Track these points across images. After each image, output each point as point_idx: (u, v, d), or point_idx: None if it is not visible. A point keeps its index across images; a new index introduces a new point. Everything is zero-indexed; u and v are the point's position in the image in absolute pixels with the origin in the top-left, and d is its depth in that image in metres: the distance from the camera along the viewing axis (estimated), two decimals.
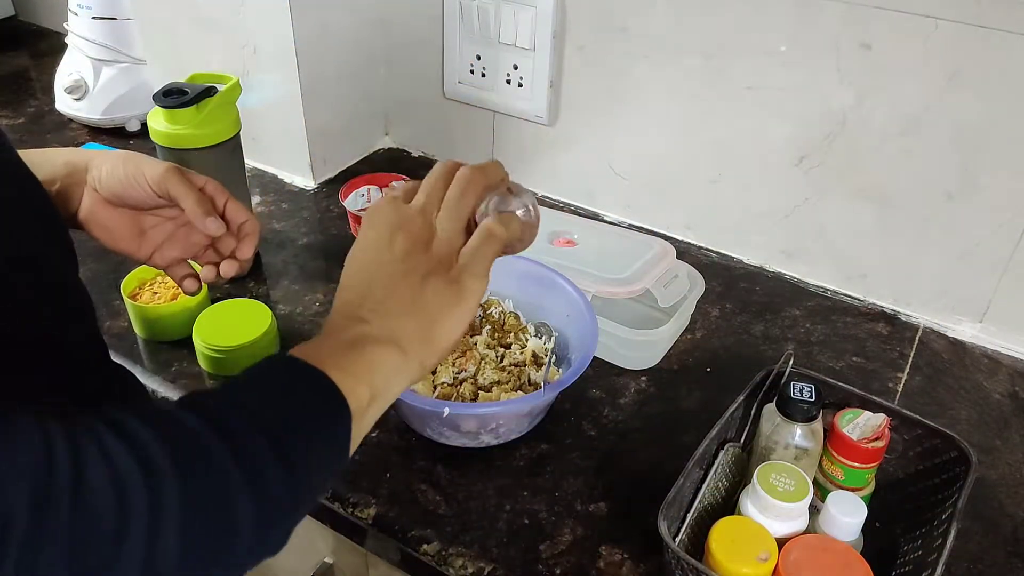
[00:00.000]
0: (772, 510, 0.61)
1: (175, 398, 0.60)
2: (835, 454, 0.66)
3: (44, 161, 0.64)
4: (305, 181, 1.16)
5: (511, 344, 0.83)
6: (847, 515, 0.61)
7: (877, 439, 0.64)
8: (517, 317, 0.86)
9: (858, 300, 0.99)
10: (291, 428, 0.43)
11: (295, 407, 0.44)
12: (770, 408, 0.68)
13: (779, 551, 0.59)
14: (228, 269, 0.68)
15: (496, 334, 0.83)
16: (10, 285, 0.48)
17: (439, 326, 0.51)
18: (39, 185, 0.55)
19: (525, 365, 0.80)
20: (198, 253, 0.70)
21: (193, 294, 0.70)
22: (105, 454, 0.36)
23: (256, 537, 0.41)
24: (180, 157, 0.91)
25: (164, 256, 0.69)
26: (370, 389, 0.47)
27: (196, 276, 0.70)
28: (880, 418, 0.65)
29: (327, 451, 0.46)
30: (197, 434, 0.39)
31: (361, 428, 0.47)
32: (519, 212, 0.57)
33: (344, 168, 1.21)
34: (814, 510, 0.64)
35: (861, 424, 0.65)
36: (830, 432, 0.66)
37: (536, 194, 0.58)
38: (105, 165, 0.64)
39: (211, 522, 0.38)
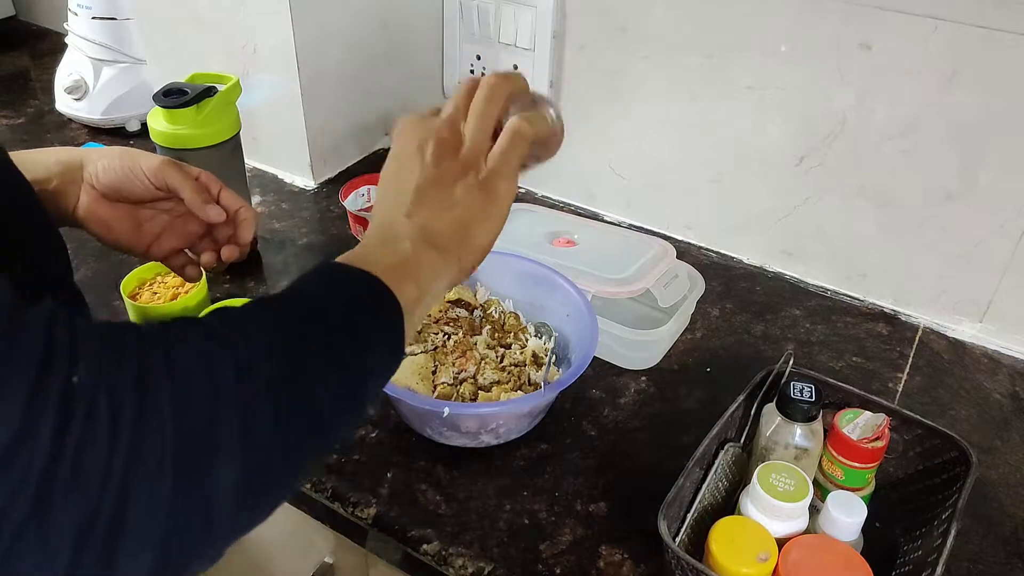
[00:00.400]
0: (772, 510, 0.61)
1: None
2: (835, 454, 0.66)
3: (36, 161, 0.64)
4: (305, 181, 1.16)
5: (511, 344, 0.83)
6: (847, 515, 0.61)
7: (877, 439, 0.64)
8: (517, 317, 0.86)
9: (858, 300, 0.99)
10: (351, 332, 0.45)
11: (352, 311, 0.46)
12: (770, 408, 0.68)
13: (779, 551, 0.59)
14: (229, 253, 0.70)
15: (496, 334, 0.83)
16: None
17: (474, 227, 0.52)
18: (29, 188, 0.54)
19: (525, 365, 0.80)
20: (195, 242, 0.71)
21: (194, 280, 0.72)
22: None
23: (331, 420, 0.43)
24: (180, 157, 0.90)
25: (162, 247, 0.70)
26: (417, 287, 0.49)
27: (196, 263, 0.71)
28: (880, 418, 0.65)
29: (385, 349, 0.47)
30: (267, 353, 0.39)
31: (411, 326, 0.49)
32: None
33: (344, 168, 1.21)
34: (814, 510, 0.64)
35: (861, 424, 0.65)
36: (830, 432, 0.66)
37: (556, 108, 0.60)
38: (101, 161, 0.65)
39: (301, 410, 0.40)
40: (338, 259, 0.49)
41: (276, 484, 0.41)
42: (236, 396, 0.37)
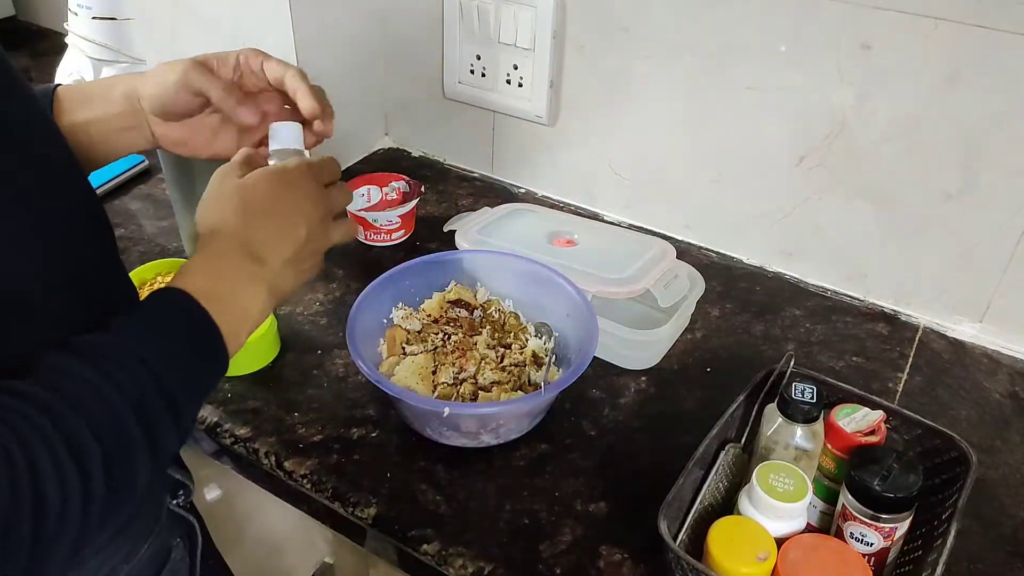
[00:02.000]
0: (771, 510, 0.61)
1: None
2: (829, 446, 0.66)
3: (103, 97, 0.66)
4: None
5: (511, 344, 0.83)
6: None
7: (871, 432, 0.64)
8: (517, 317, 0.86)
9: (858, 300, 0.99)
10: (184, 380, 0.49)
11: (187, 354, 0.50)
12: (771, 408, 0.67)
13: (778, 551, 0.59)
14: (315, 139, 0.71)
15: (496, 334, 0.83)
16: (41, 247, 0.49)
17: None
18: (66, 146, 0.55)
19: (525, 365, 0.80)
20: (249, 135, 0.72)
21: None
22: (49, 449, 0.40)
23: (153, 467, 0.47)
24: (180, 157, 0.91)
25: (221, 147, 0.71)
26: (249, 330, 0.55)
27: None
28: (877, 415, 0.65)
29: (207, 386, 0.53)
30: (111, 402, 0.44)
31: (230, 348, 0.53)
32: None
33: (344, 168, 1.21)
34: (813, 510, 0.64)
35: (857, 419, 0.65)
36: (826, 424, 0.66)
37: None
38: (146, 87, 0.66)
39: (127, 477, 0.45)
40: (193, 278, 0.53)
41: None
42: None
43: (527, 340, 0.83)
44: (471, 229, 0.95)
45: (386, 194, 1.07)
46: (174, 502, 0.65)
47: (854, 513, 0.61)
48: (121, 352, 0.46)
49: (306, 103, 0.67)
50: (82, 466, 0.41)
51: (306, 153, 0.66)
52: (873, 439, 0.64)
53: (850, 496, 0.61)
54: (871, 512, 0.60)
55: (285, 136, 0.66)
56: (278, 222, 0.58)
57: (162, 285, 0.88)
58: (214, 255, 0.55)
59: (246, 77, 0.69)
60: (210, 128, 0.70)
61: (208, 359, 0.51)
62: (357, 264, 1.00)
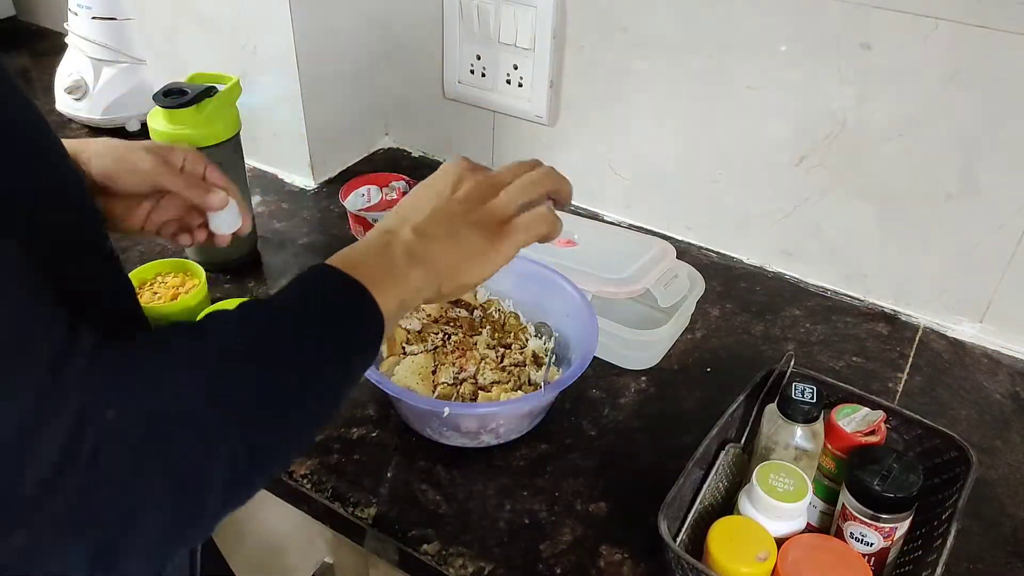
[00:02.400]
0: (771, 510, 0.61)
1: None
2: (828, 446, 0.66)
3: None
4: (305, 181, 1.16)
5: (511, 344, 0.83)
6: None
7: (871, 432, 0.64)
8: (517, 317, 0.86)
9: (858, 300, 0.99)
10: (331, 342, 0.48)
11: (335, 319, 0.49)
12: (771, 408, 0.67)
13: (778, 550, 0.59)
14: (221, 239, 0.73)
15: (496, 334, 0.83)
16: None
17: (467, 265, 0.56)
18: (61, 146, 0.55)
19: (525, 365, 0.80)
20: (184, 215, 0.73)
21: (187, 246, 0.74)
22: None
23: (303, 429, 0.47)
24: None
25: (155, 223, 0.71)
26: (399, 300, 0.52)
27: (189, 231, 0.73)
28: (877, 415, 0.65)
29: (361, 358, 0.51)
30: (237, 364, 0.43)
31: (387, 335, 0.53)
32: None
33: (344, 168, 1.21)
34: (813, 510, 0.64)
35: (858, 419, 0.65)
36: (826, 425, 0.66)
37: None
38: (94, 160, 0.66)
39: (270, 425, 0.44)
40: (334, 259, 0.51)
41: (257, 476, 0.44)
42: (209, 420, 0.40)
43: (527, 340, 0.83)
44: None
45: (386, 194, 1.07)
46: None
47: (854, 513, 0.61)
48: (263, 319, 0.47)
49: (247, 221, 0.74)
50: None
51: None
52: (873, 439, 0.64)
53: (850, 496, 0.61)
54: (871, 512, 0.60)
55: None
56: (411, 202, 0.58)
57: (163, 285, 0.89)
58: (372, 242, 0.55)
59: (186, 173, 0.71)
60: (137, 208, 0.70)
61: (356, 322, 0.50)
62: None
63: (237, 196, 0.73)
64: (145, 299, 0.88)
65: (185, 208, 0.71)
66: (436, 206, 0.57)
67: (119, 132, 1.26)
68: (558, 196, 0.62)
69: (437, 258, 0.55)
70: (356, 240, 1.04)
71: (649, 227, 1.10)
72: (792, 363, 0.72)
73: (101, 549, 0.36)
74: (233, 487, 0.41)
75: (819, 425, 0.66)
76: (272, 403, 0.44)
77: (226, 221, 0.72)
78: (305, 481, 0.73)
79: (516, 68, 1.07)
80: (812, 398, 0.65)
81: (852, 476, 0.61)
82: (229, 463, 0.40)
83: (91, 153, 0.66)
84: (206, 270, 0.92)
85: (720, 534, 0.60)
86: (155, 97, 0.90)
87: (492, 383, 0.78)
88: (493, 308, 0.86)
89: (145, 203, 0.71)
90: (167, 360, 0.41)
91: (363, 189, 1.06)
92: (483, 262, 0.56)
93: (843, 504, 0.62)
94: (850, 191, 0.93)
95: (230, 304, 0.86)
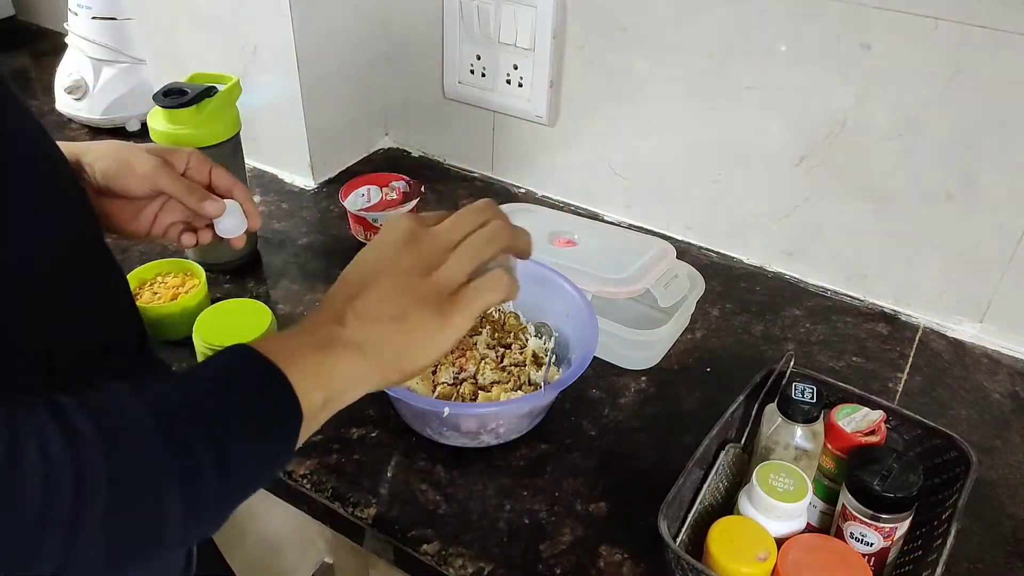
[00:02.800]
0: (771, 510, 0.61)
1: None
2: (828, 446, 0.66)
3: None
4: (305, 181, 1.16)
5: (511, 344, 0.83)
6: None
7: (871, 432, 0.64)
8: (517, 317, 0.86)
9: (858, 300, 0.99)
10: (238, 424, 0.44)
11: (247, 403, 0.45)
12: (771, 408, 0.67)
13: (778, 551, 0.59)
14: (235, 242, 0.73)
15: (496, 334, 0.83)
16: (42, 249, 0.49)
17: (413, 350, 0.51)
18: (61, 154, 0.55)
19: (525, 365, 0.80)
20: (190, 217, 0.73)
21: (192, 247, 0.74)
22: (40, 440, 0.36)
23: (184, 525, 0.41)
24: None
25: (159, 227, 0.72)
26: (326, 395, 0.48)
27: (192, 230, 0.73)
28: (877, 414, 0.65)
29: (272, 449, 0.46)
30: (138, 425, 0.40)
31: (310, 429, 0.48)
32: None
33: (344, 168, 1.21)
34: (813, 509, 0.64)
35: (857, 419, 0.65)
36: (826, 425, 0.66)
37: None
38: (98, 162, 0.66)
39: (138, 509, 0.39)
40: (264, 342, 0.47)
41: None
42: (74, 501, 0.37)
43: (527, 340, 0.83)
44: None
45: (386, 194, 1.07)
46: None
47: (854, 513, 0.61)
48: (168, 390, 0.44)
49: (254, 220, 0.73)
50: (81, 472, 0.37)
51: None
52: (873, 439, 0.64)
53: (850, 496, 0.61)
54: (871, 512, 0.60)
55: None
56: (354, 275, 0.52)
57: (163, 286, 0.89)
58: (306, 328, 0.51)
59: (191, 177, 0.71)
60: (141, 213, 0.71)
61: (268, 408, 0.46)
62: None
63: (245, 195, 0.73)
64: (145, 299, 0.88)
65: (188, 211, 0.71)
66: (380, 284, 0.51)
67: (119, 132, 1.26)
68: (515, 251, 0.56)
69: (381, 345, 0.50)
70: (356, 239, 1.04)
71: (649, 227, 1.10)
72: (792, 363, 0.72)
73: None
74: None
75: (819, 425, 0.66)
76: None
77: (229, 226, 0.72)
78: (305, 481, 0.73)
79: (516, 68, 1.07)
80: (812, 398, 0.65)
81: (852, 476, 0.61)
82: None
83: (94, 156, 0.66)
84: (206, 270, 0.92)
85: (720, 534, 0.60)
86: (155, 97, 0.90)
87: (492, 383, 0.78)
88: (493, 308, 0.86)
89: (151, 206, 0.71)
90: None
91: (363, 189, 1.06)
92: (434, 341, 0.51)
93: (843, 504, 0.62)
94: (850, 191, 0.93)
95: (230, 305, 0.86)
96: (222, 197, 0.71)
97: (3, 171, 0.46)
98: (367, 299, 0.50)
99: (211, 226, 0.73)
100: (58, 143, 0.66)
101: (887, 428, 0.69)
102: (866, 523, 0.61)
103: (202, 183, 0.71)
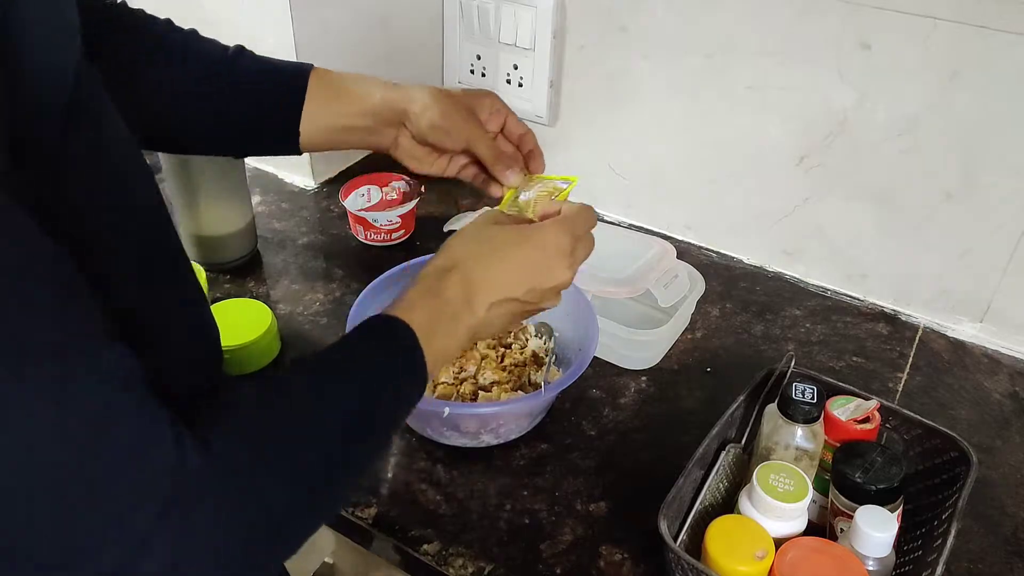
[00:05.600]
0: (772, 510, 0.61)
1: None
2: (828, 439, 0.66)
3: (364, 94, 0.70)
4: (305, 181, 1.16)
5: (511, 344, 0.83)
6: (878, 530, 0.59)
7: (866, 420, 0.65)
8: None
9: (858, 300, 0.99)
10: (391, 418, 0.52)
11: (398, 392, 0.52)
12: (771, 408, 0.67)
13: (775, 549, 0.59)
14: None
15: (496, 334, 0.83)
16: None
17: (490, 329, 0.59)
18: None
19: (525, 365, 0.80)
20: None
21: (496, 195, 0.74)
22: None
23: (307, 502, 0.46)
24: (180, 157, 0.91)
25: (452, 169, 0.74)
26: (442, 357, 0.55)
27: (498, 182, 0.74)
28: (871, 403, 0.66)
29: (402, 418, 0.55)
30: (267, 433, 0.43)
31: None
32: None
33: (344, 168, 1.21)
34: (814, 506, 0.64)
35: (852, 408, 0.66)
36: (824, 417, 0.66)
37: None
38: (424, 115, 0.68)
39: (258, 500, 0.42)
40: (401, 311, 0.53)
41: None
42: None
43: (527, 340, 0.83)
44: None
45: (386, 194, 1.07)
46: None
47: (840, 507, 0.61)
48: (338, 366, 0.49)
49: (538, 163, 0.74)
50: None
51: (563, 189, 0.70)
52: (868, 427, 0.64)
53: (835, 490, 0.62)
54: (855, 505, 0.60)
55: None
56: (502, 269, 0.57)
57: None
58: (436, 292, 0.55)
59: (488, 124, 0.72)
60: (453, 158, 0.73)
61: (411, 394, 0.53)
62: (357, 264, 1.00)
63: (533, 143, 0.74)
64: None
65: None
66: (546, 286, 0.58)
67: None
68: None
69: (486, 334, 0.59)
70: (356, 240, 1.04)
71: (649, 227, 1.10)
72: (792, 363, 0.72)
73: None
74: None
75: (819, 425, 0.66)
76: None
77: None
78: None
79: (516, 68, 1.07)
80: (812, 398, 0.65)
81: (835, 470, 0.61)
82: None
83: (420, 107, 0.68)
84: (206, 270, 0.91)
85: (718, 533, 0.60)
86: None
87: (492, 383, 0.78)
88: None
89: (455, 157, 0.73)
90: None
91: (363, 189, 1.06)
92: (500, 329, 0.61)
93: (831, 500, 0.63)
94: (850, 191, 0.93)
95: (230, 305, 0.86)
96: (513, 144, 0.73)
97: (116, 213, 0.45)
98: (518, 298, 0.57)
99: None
100: (380, 89, 0.71)
101: (887, 428, 0.69)
102: (851, 516, 0.61)
103: (497, 128, 0.73)
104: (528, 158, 0.74)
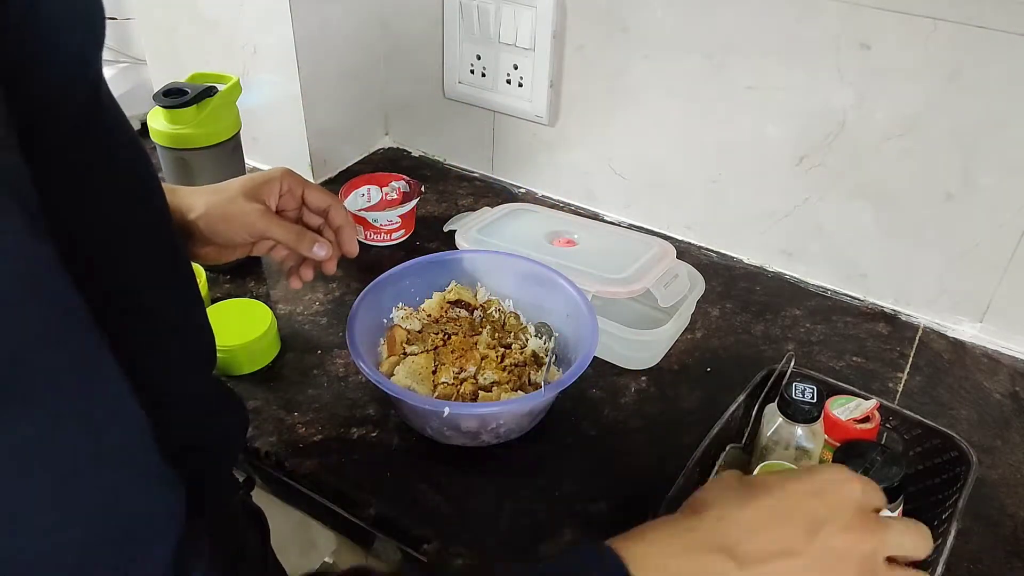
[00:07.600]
0: None
1: None
2: (828, 438, 0.66)
3: None
4: None
5: (511, 344, 0.83)
6: None
7: (865, 419, 0.65)
8: (517, 317, 0.86)
9: (858, 300, 0.99)
10: None
11: None
12: (771, 408, 0.68)
13: None
14: (329, 267, 0.73)
15: (496, 334, 0.83)
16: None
17: None
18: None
19: (525, 365, 0.80)
20: (288, 256, 0.75)
21: (298, 287, 0.75)
22: None
23: None
24: (180, 157, 0.91)
25: (264, 247, 0.73)
26: None
27: (310, 266, 0.74)
28: (870, 403, 0.66)
29: None
30: None
31: None
32: None
33: (344, 168, 1.21)
34: None
35: (851, 407, 0.66)
36: (824, 417, 0.67)
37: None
38: (202, 221, 0.67)
39: None
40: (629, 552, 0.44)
41: None
42: None
43: (527, 340, 0.83)
44: (471, 229, 0.95)
45: (386, 194, 1.07)
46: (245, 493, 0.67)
47: None
48: None
49: (350, 247, 0.72)
50: None
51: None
52: (868, 426, 0.64)
53: None
54: None
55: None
56: (775, 535, 0.45)
57: None
58: (684, 533, 0.46)
59: (284, 202, 0.71)
60: (241, 248, 0.72)
61: None
62: (357, 264, 1.00)
63: (343, 217, 0.72)
64: None
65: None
66: (804, 553, 0.44)
67: None
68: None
69: None
70: (356, 240, 1.04)
71: (649, 227, 1.10)
72: (792, 363, 0.72)
73: None
74: None
75: (819, 425, 0.66)
76: None
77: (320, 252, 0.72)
78: (305, 481, 0.73)
79: (516, 68, 1.07)
80: (812, 398, 0.65)
81: None
82: None
83: (198, 213, 0.67)
84: (206, 270, 0.91)
85: None
86: (155, 97, 0.90)
87: (492, 383, 0.78)
88: (493, 308, 0.86)
89: (244, 247, 0.72)
90: None
91: (363, 189, 1.06)
92: None
93: None
94: (850, 191, 0.93)
95: (230, 305, 0.86)
96: (318, 216, 0.71)
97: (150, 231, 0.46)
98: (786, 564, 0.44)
99: (309, 261, 0.72)
100: (173, 190, 0.67)
101: (887, 428, 0.69)
102: None
103: (296, 205, 0.71)
104: (338, 235, 0.71)
